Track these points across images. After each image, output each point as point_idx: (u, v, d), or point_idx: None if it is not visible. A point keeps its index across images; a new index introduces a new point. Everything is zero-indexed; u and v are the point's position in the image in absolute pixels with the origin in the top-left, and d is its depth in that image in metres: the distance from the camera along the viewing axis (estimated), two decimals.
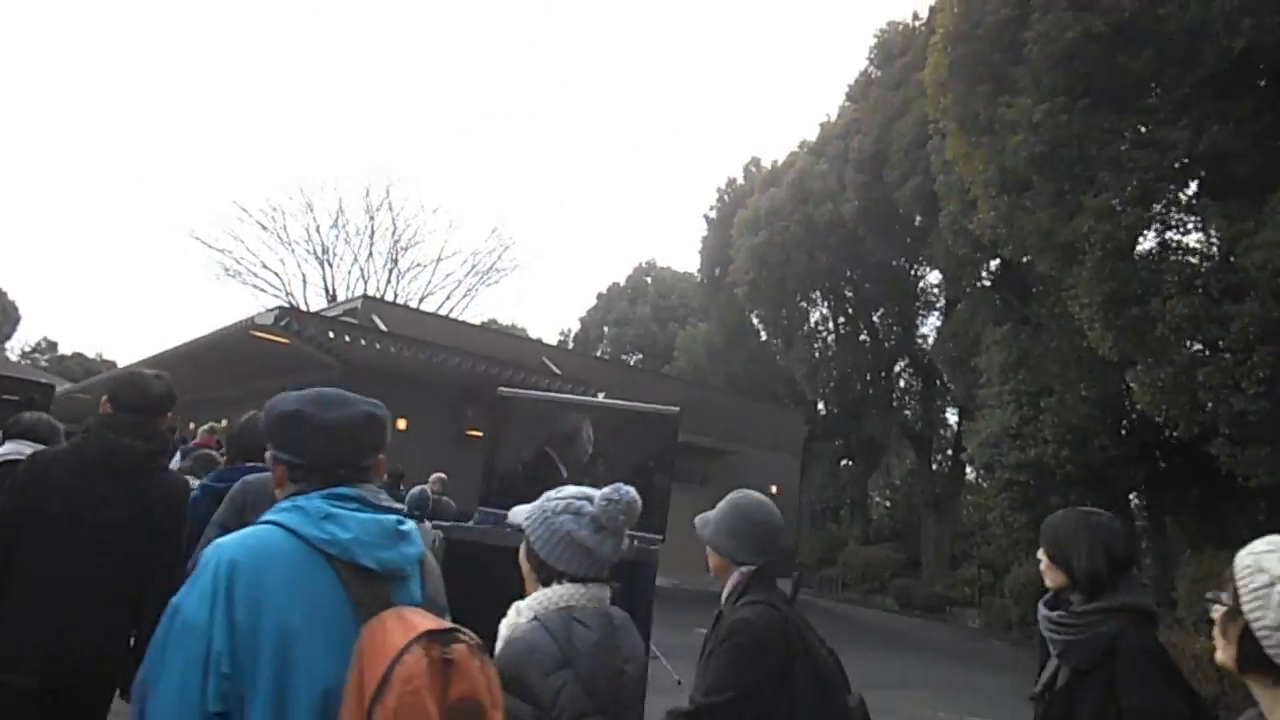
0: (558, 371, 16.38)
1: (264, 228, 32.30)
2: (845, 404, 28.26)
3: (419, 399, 14.58)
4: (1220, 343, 10.46)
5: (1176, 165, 11.03)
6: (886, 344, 28.15)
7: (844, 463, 32.07)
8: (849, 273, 25.07)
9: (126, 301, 68.78)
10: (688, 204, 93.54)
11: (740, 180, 29.74)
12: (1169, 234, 11.48)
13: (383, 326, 14.55)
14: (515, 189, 66.01)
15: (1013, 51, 12.25)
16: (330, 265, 34.04)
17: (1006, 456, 16.00)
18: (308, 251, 33.37)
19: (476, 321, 49.53)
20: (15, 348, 44.79)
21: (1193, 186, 11.62)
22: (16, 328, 44.03)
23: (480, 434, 14.97)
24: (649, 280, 40.43)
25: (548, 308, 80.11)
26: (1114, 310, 11.46)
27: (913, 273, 25.96)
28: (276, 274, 33.01)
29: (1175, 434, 11.71)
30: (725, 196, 29.90)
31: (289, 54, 59.54)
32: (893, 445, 29.19)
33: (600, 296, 41.35)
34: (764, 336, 28.88)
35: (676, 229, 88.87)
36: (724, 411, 20.78)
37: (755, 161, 29.60)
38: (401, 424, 14.30)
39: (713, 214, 30.05)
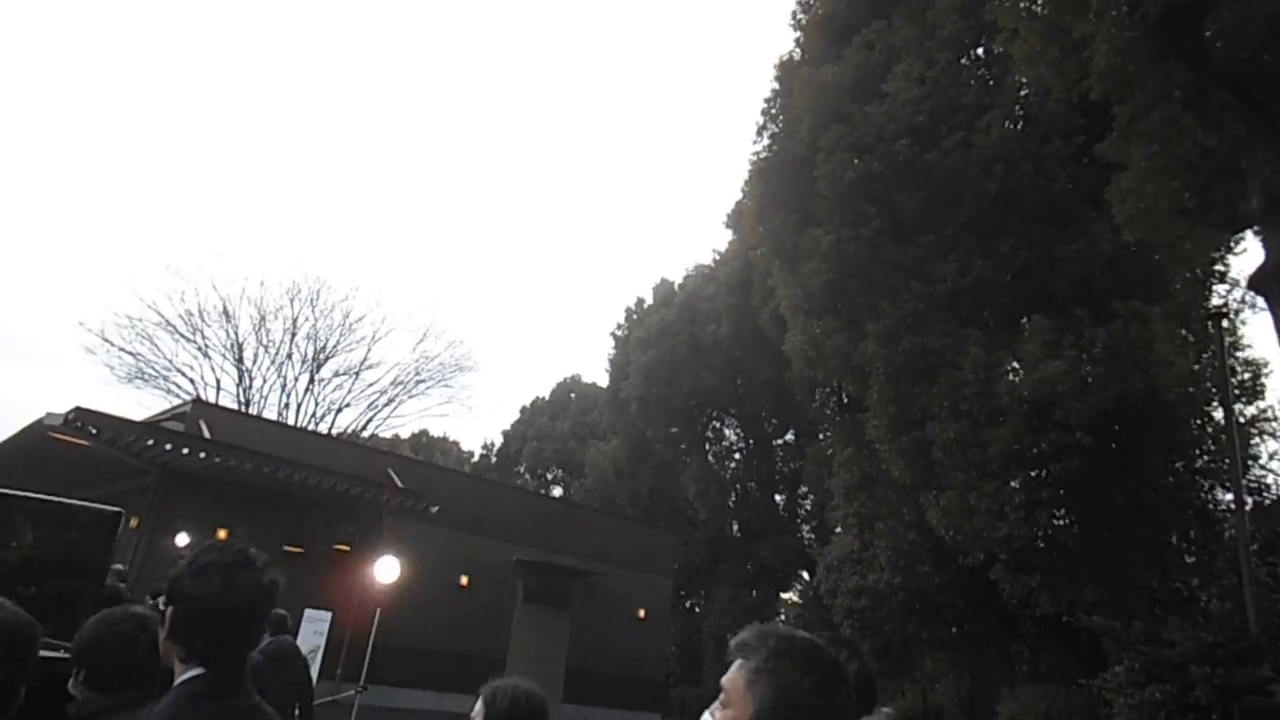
0: (400, 484, 16.22)
1: (181, 335, 32.23)
2: (747, 526, 28.28)
3: (244, 509, 14.39)
4: (984, 468, 10.65)
5: (945, 296, 11.51)
6: (787, 466, 28.35)
7: (754, 589, 31.59)
8: (737, 392, 25.39)
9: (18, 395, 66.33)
10: (612, 320, 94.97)
11: (649, 300, 30.46)
12: (941, 360, 11.85)
13: (206, 433, 14.41)
14: (446, 299, 66.62)
15: (810, 186, 12.94)
16: (248, 372, 33.88)
17: (847, 581, 15.86)
18: (224, 356, 33.26)
19: (406, 434, 49.20)
20: None
21: (961, 316, 12.10)
22: None
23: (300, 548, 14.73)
24: (572, 396, 40.64)
25: (480, 419, 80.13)
26: (898, 433, 11.69)
27: (815, 395, 26.41)
28: (190, 379, 32.70)
29: (966, 560, 11.71)
30: (633, 315, 30.54)
31: (211, 147, 60.51)
32: (792, 570, 28.84)
33: (524, 410, 41.41)
34: (664, 454, 28.89)
35: (602, 345, 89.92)
36: (590, 530, 20.53)
37: (664, 282, 30.40)
38: (222, 534, 14.03)
39: (620, 332, 30.60)
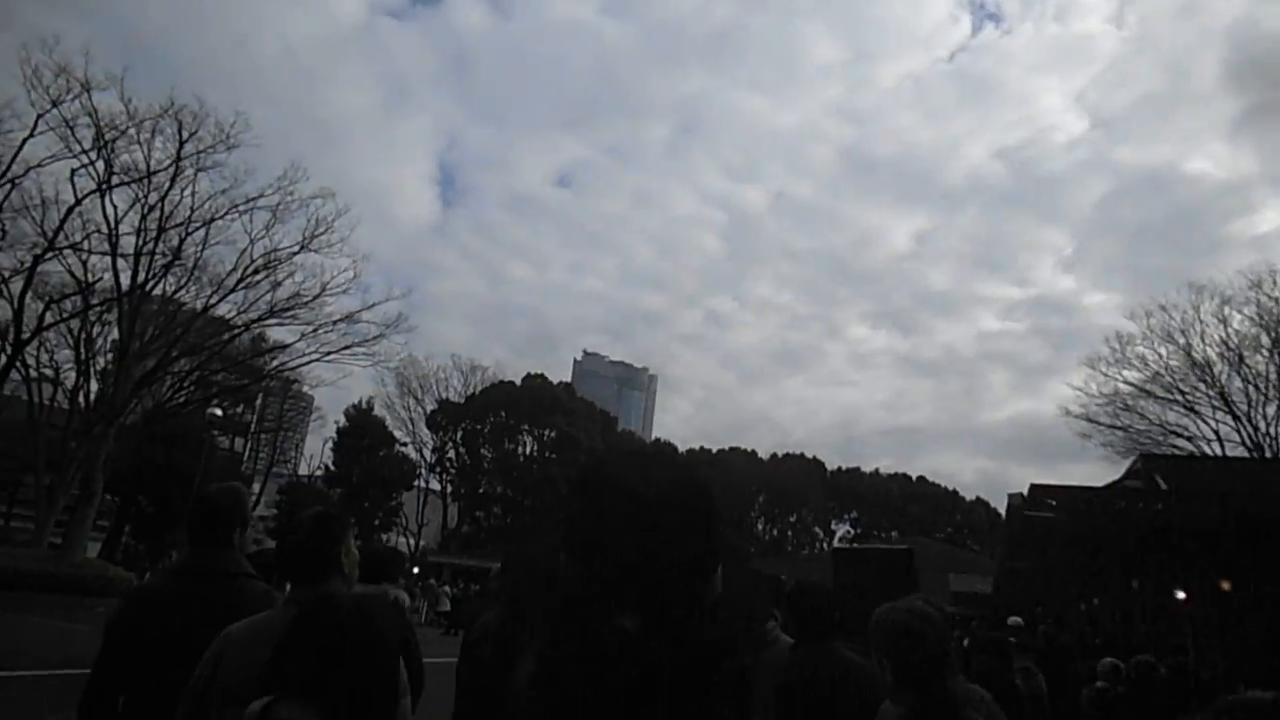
0: None
1: (1159, 398, 32.44)
2: None
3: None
4: None
5: None
6: None
7: None
8: None
9: None
10: None
11: None
12: None
13: (1163, 485, 15.00)
14: None
15: None
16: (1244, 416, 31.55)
17: None
18: (1213, 407, 31.86)
19: None
20: None
21: None
22: None
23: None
24: None
25: None
26: None
27: None
28: (1187, 438, 32.30)
29: None
30: None
31: None
32: None
33: None
34: None
35: None
36: None
37: None
38: (1225, 585, 14.10)
39: None
